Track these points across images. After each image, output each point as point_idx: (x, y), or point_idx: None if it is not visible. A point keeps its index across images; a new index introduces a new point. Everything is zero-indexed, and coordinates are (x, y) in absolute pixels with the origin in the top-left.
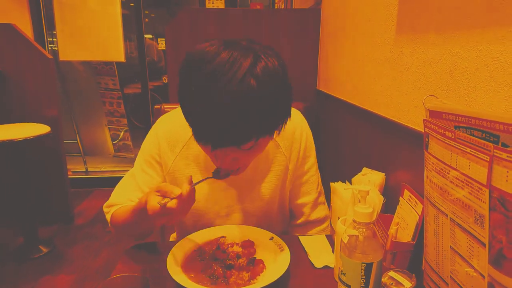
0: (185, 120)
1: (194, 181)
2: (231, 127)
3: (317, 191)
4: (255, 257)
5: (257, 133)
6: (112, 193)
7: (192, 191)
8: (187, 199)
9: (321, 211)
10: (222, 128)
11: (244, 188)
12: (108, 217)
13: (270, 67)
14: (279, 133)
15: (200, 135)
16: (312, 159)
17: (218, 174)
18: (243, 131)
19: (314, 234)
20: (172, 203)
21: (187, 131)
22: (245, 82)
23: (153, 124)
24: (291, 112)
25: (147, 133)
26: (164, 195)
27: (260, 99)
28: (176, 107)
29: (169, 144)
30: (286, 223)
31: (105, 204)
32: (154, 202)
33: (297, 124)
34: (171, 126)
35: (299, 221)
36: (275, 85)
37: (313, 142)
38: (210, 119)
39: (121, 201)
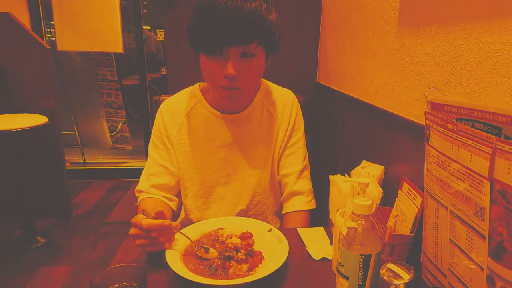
0: (184, 95)
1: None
2: (238, 25)
3: (303, 164)
4: (254, 249)
5: (258, 34)
6: (141, 175)
7: (167, 228)
8: (157, 228)
9: (305, 184)
10: (231, 27)
11: (241, 156)
12: (138, 201)
13: None
14: (275, 50)
15: (212, 40)
16: (301, 133)
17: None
18: (247, 30)
19: (298, 207)
20: (146, 221)
21: (187, 104)
22: None
23: (152, 117)
24: (286, 90)
25: (145, 125)
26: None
27: (260, 6)
28: None
29: (172, 117)
30: (279, 198)
31: (135, 189)
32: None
33: (289, 98)
34: (172, 101)
35: (284, 193)
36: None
37: (302, 119)
38: (221, 22)
39: (145, 186)
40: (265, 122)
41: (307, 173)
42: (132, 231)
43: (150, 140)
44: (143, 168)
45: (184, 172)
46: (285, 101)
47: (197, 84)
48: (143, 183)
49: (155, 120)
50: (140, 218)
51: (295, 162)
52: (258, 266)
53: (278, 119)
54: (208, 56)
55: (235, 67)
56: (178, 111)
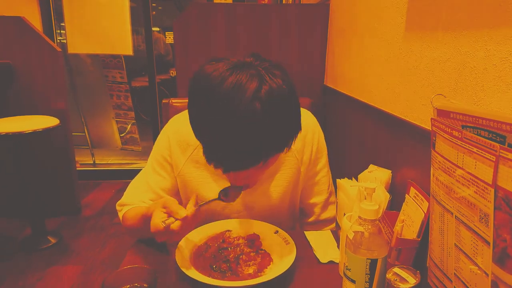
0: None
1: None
2: (240, 152)
3: (328, 192)
4: (264, 250)
5: (266, 155)
6: (125, 192)
7: (197, 212)
8: (191, 221)
9: (331, 211)
10: (232, 154)
11: (255, 192)
12: (120, 215)
13: (274, 88)
14: (289, 148)
15: (210, 159)
16: (324, 160)
17: (226, 196)
18: (252, 155)
19: (322, 229)
20: (175, 225)
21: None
22: (251, 107)
23: (161, 118)
24: (303, 113)
25: (154, 126)
26: (169, 214)
27: (266, 123)
28: (184, 102)
29: (180, 147)
30: (295, 222)
31: (118, 203)
32: (158, 220)
33: (309, 127)
34: (182, 128)
35: (310, 219)
36: (280, 106)
37: (324, 144)
38: (220, 145)
39: (132, 201)
40: (282, 156)
41: (333, 198)
42: (155, 229)
43: (149, 162)
44: None
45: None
46: (305, 131)
47: None
48: (131, 197)
49: (160, 143)
50: (160, 225)
51: (320, 191)
52: (267, 268)
53: (298, 153)
54: None
55: (241, 179)
56: (187, 142)
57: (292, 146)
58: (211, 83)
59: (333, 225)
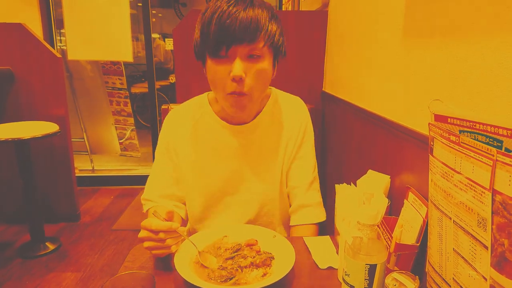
0: (192, 105)
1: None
2: (243, 24)
3: (312, 175)
4: (269, 254)
5: (263, 32)
6: (146, 185)
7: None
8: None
9: (314, 196)
10: (236, 27)
11: (249, 166)
12: (144, 209)
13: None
14: (279, 57)
15: (218, 40)
16: (310, 145)
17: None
18: (252, 28)
19: (306, 220)
20: (156, 224)
21: (194, 114)
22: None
23: (161, 125)
24: (295, 99)
25: (154, 132)
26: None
27: (262, 12)
28: None
29: (179, 127)
30: (287, 208)
31: (142, 196)
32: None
33: (300, 111)
34: (180, 111)
35: (293, 205)
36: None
37: (312, 131)
38: (226, 23)
39: (153, 195)
40: (274, 132)
41: (316, 185)
42: (142, 233)
43: (157, 148)
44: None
45: (190, 183)
46: (295, 110)
47: (205, 94)
48: (150, 192)
49: (162, 129)
50: (150, 220)
51: (304, 173)
52: (265, 273)
53: (288, 129)
54: (214, 60)
55: (241, 67)
56: (185, 121)
57: (284, 125)
58: None
59: (316, 211)
